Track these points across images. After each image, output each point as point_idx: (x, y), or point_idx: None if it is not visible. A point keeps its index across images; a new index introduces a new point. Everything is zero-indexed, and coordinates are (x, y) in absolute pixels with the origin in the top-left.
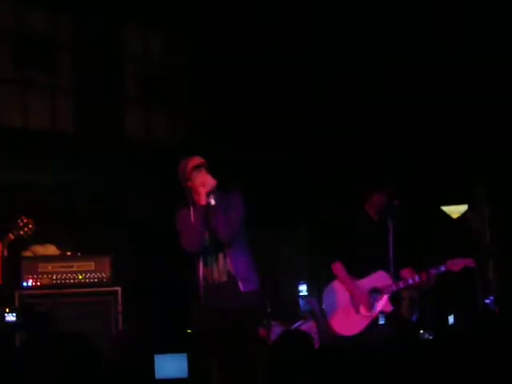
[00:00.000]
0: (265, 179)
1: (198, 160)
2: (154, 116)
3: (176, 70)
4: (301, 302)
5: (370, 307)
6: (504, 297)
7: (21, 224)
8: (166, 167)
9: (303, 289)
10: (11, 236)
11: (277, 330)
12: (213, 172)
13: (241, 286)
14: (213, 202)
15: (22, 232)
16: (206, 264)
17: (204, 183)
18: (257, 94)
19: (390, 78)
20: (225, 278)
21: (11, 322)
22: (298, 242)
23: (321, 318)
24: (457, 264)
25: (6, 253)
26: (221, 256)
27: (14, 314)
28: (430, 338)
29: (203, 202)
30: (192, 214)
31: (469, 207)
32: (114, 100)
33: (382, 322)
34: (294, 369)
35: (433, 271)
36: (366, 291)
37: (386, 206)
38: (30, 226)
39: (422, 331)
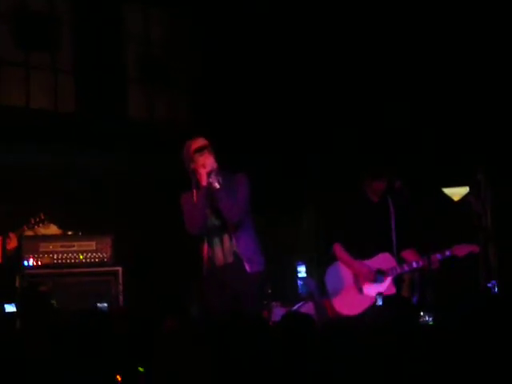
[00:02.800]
0: (266, 161)
1: (200, 142)
2: (155, 97)
3: (178, 50)
4: (299, 282)
5: (374, 287)
6: (504, 280)
7: (38, 220)
8: (167, 147)
9: (302, 270)
10: (25, 228)
11: (278, 311)
12: (215, 152)
13: (247, 266)
14: (216, 183)
15: (36, 226)
16: (210, 245)
17: (205, 164)
18: (259, 75)
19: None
20: (231, 259)
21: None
22: (297, 223)
23: (318, 299)
24: (462, 249)
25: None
26: (226, 237)
27: (13, 304)
28: (430, 320)
29: (204, 182)
30: (195, 195)
31: (470, 190)
32: (116, 80)
33: (379, 303)
34: (297, 351)
35: (438, 256)
36: (372, 269)
37: (387, 188)
38: (46, 222)
39: (422, 313)
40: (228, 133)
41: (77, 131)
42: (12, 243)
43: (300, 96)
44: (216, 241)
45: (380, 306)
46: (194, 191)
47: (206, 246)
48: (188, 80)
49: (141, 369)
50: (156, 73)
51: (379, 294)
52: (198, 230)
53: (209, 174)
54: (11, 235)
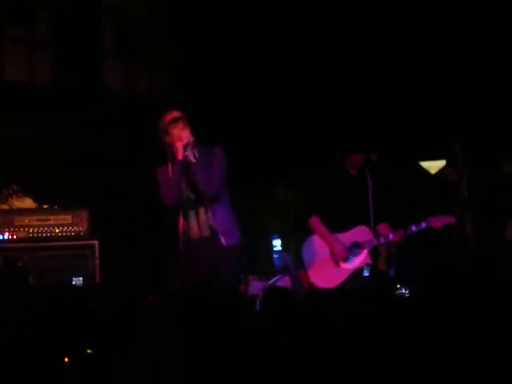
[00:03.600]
0: (242, 133)
1: (174, 114)
2: (132, 70)
3: (154, 21)
4: (275, 256)
5: (350, 260)
6: (479, 252)
7: (11, 191)
8: (145, 120)
9: (277, 244)
10: None
11: (254, 284)
12: (192, 125)
13: (223, 239)
14: (191, 157)
15: (9, 198)
16: (186, 218)
17: (181, 137)
18: (238, 46)
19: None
20: (206, 233)
21: None
22: (273, 196)
23: (294, 272)
24: (438, 221)
25: None
26: (202, 211)
27: None
28: (407, 293)
29: (180, 156)
30: (170, 169)
31: (447, 163)
32: (92, 53)
33: (366, 274)
34: (280, 326)
35: (413, 228)
36: (346, 246)
37: (364, 162)
38: (19, 194)
39: (398, 286)
40: (204, 107)
41: (52, 103)
42: None
43: (276, 69)
44: (191, 214)
45: (367, 276)
46: (170, 165)
47: (181, 220)
48: (165, 54)
49: (89, 351)
50: (133, 46)
51: (367, 264)
52: (173, 204)
53: (185, 148)
54: None
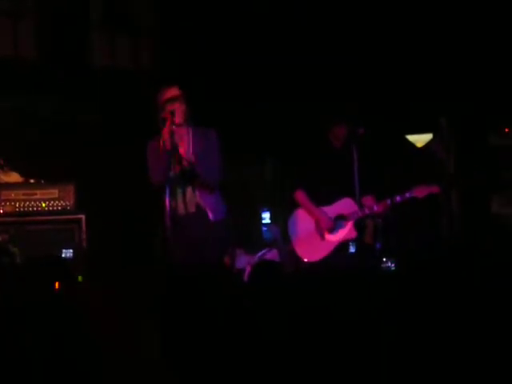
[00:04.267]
0: (230, 107)
1: (173, 92)
2: (118, 44)
3: None
4: (263, 229)
5: (335, 233)
6: (465, 225)
7: None
8: (130, 95)
9: (266, 216)
10: None
11: (242, 258)
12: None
13: (210, 215)
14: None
15: None
16: (173, 195)
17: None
18: (223, 23)
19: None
20: (192, 209)
21: None
22: (261, 170)
23: (282, 245)
24: (422, 190)
25: None
26: (189, 189)
27: None
28: (393, 266)
29: (168, 145)
30: (161, 144)
31: (433, 136)
32: (78, 27)
33: (352, 250)
34: (270, 301)
35: (398, 198)
36: (331, 217)
37: (350, 134)
38: (6, 168)
39: (384, 259)
40: (191, 82)
41: (38, 77)
42: None
43: (262, 44)
44: (178, 191)
45: (353, 253)
46: (162, 140)
47: (167, 196)
48: (151, 27)
49: (80, 278)
50: (119, 19)
51: (352, 240)
52: (161, 180)
53: (171, 135)
54: None
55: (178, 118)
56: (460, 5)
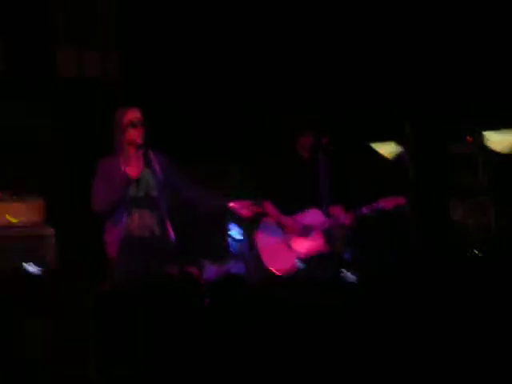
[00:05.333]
0: (195, 116)
1: (135, 114)
2: (86, 53)
3: (107, 4)
4: (230, 241)
5: (302, 242)
6: (431, 237)
7: None
8: (96, 106)
9: (233, 229)
10: None
11: (209, 269)
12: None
13: (171, 235)
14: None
15: None
16: (127, 215)
17: (135, 141)
18: (192, 30)
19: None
20: (147, 233)
21: None
22: (228, 179)
23: (249, 257)
24: (388, 202)
25: None
26: (146, 212)
27: None
28: (355, 279)
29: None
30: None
31: (398, 144)
32: (44, 38)
33: (300, 266)
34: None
35: (365, 210)
36: (298, 227)
37: (315, 144)
38: None
39: (344, 271)
40: (157, 89)
41: (5, 88)
42: None
43: (232, 48)
44: (135, 211)
45: (302, 268)
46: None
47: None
48: (117, 36)
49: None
50: (85, 29)
51: (298, 257)
52: (113, 200)
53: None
54: None
55: (141, 142)
56: (424, 12)
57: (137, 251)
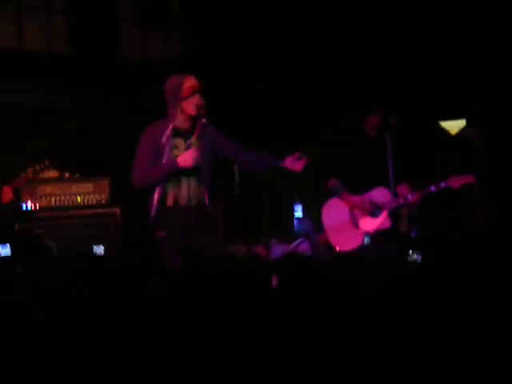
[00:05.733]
0: (263, 102)
1: (195, 82)
2: (149, 36)
3: None
4: (295, 222)
5: (369, 222)
6: (494, 215)
7: (43, 166)
8: (161, 88)
9: (298, 209)
10: (30, 174)
11: (276, 248)
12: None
13: (208, 207)
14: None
15: (41, 173)
16: (177, 184)
17: (196, 109)
18: (253, 16)
19: None
20: (195, 202)
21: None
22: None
23: (314, 238)
24: (457, 181)
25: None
26: (193, 182)
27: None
28: (419, 258)
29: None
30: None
31: (467, 123)
32: (108, 19)
33: (367, 242)
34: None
35: (432, 188)
36: (366, 205)
37: (383, 123)
38: (50, 169)
39: (411, 252)
40: (221, 72)
41: (71, 72)
42: (7, 196)
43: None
44: (184, 183)
45: (368, 244)
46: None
47: (160, 189)
48: (182, 19)
49: None
50: (149, 11)
51: (367, 233)
52: (157, 182)
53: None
54: (5, 189)
55: (199, 112)
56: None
57: (185, 222)
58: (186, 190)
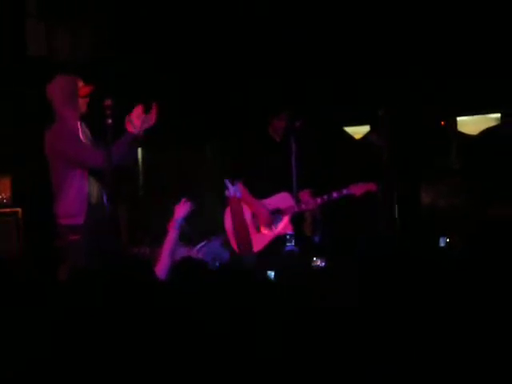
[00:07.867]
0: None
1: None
2: (56, 35)
3: None
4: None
5: (271, 226)
6: (401, 221)
7: None
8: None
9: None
10: None
11: (179, 251)
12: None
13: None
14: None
15: None
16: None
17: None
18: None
19: None
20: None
21: None
22: (202, 161)
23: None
24: (359, 188)
25: None
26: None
27: None
28: (323, 265)
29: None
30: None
31: (371, 128)
32: (14, 16)
33: (289, 247)
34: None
35: (334, 194)
36: (267, 210)
37: (288, 127)
38: None
39: (314, 258)
40: (130, 69)
41: None
42: None
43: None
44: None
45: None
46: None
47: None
48: (91, 16)
49: None
50: (56, 8)
51: (289, 235)
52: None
53: None
54: None
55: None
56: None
57: (92, 223)
58: (92, 191)
